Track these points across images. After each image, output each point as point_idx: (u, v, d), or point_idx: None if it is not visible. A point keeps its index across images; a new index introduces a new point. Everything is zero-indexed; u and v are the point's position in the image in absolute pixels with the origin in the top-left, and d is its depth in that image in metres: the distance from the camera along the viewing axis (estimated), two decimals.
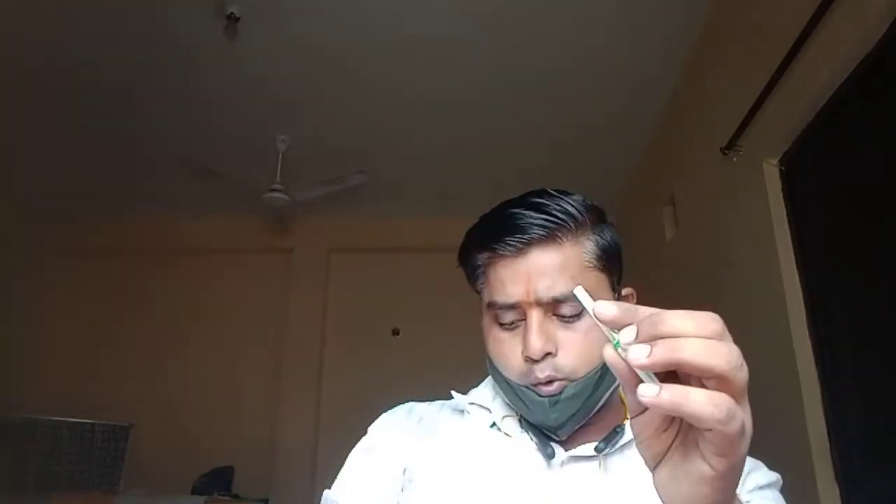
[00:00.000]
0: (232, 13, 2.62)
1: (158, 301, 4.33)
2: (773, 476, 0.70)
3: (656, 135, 3.36)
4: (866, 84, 1.68)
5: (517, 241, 0.69)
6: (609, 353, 0.40)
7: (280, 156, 3.54)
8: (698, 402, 0.35)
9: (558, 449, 0.71)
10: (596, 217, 0.73)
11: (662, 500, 0.43)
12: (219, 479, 3.74)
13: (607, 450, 0.69)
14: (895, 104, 1.59)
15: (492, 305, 0.72)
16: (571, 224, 0.70)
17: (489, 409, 0.76)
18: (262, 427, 4.02)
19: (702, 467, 0.38)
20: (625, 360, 0.38)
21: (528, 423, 0.73)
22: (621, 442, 0.71)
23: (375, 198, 4.09)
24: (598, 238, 0.73)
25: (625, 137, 3.45)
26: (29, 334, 3.97)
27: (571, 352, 0.68)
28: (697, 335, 0.36)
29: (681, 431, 0.41)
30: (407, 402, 0.84)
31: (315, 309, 4.31)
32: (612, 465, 0.70)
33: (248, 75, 3.06)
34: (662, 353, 0.36)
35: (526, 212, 0.70)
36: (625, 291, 0.77)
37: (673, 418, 0.41)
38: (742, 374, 0.37)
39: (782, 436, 1.88)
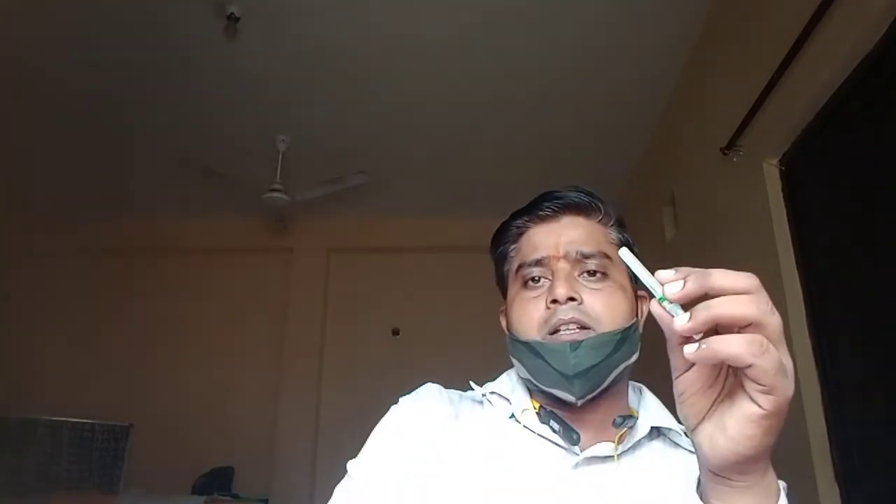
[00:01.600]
0: (232, 13, 2.62)
1: (158, 301, 4.33)
2: (782, 483, 0.69)
3: (656, 135, 3.36)
4: (866, 84, 1.68)
5: (553, 205, 0.77)
6: (655, 307, 0.44)
7: (280, 156, 3.54)
8: (734, 342, 0.40)
9: (575, 448, 0.70)
10: (620, 220, 0.81)
11: (704, 456, 0.46)
12: (219, 479, 3.75)
13: (622, 448, 0.70)
14: (895, 104, 1.59)
15: (521, 267, 0.77)
16: (601, 208, 0.78)
17: (509, 400, 0.76)
18: (262, 427, 4.03)
19: (750, 407, 0.42)
20: (671, 314, 0.43)
21: (547, 413, 0.72)
22: (636, 438, 0.71)
23: (375, 198, 4.08)
24: (622, 233, 0.79)
25: (625, 137, 3.45)
26: (29, 334, 3.97)
27: (597, 303, 0.71)
28: (735, 289, 0.41)
29: (725, 387, 0.45)
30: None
31: (315, 309, 4.31)
32: (626, 465, 0.70)
33: (248, 75, 3.06)
34: (702, 314, 0.41)
35: (562, 189, 0.79)
36: (640, 292, 0.79)
37: (717, 375, 0.45)
38: (774, 319, 0.41)
39: (782, 436, 1.88)
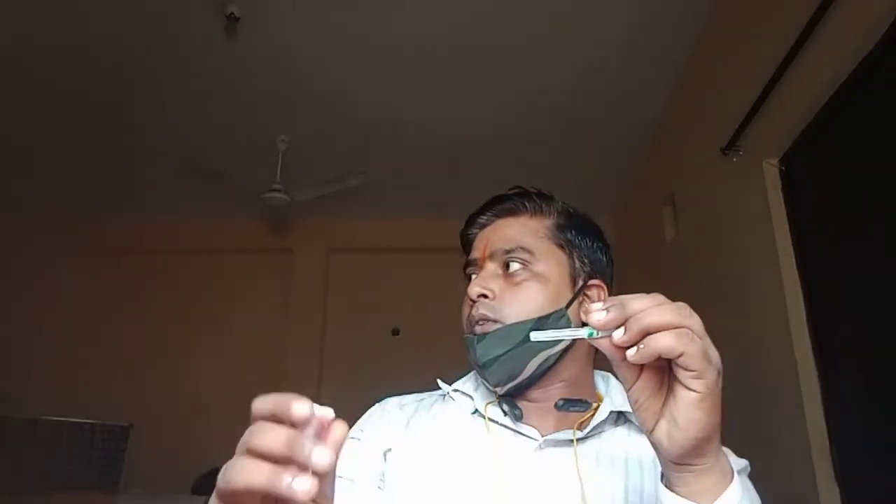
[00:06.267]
0: (232, 13, 2.62)
1: (158, 301, 4.33)
2: (742, 462, 0.72)
3: (656, 135, 3.36)
4: (866, 84, 1.68)
5: (491, 212, 0.86)
6: (596, 342, 0.51)
7: (280, 156, 3.54)
8: (665, 336, 0.47)
9: (529, 429, 0.76)
10: (565, 212, 0.85)
11: (665, 451, 0.51)
12: None
13: (581, 433, 0.75)
14: (895, 104, 1.59)
15: (465, 268, 0.86)
16: (526, 205, 0.84)
17: (471, 397, 0.82)
18: None
19: (688, 395, 0.48)
20: (607, 340, 0.49)
21: (502, 399, 0.78)
22: (596, 422, 0.75)
23: (375, 198, 4.08)
24: (565, 221, 0.84)
25: (625, 137, 3.45)
26: (29, 333, 3.97)
27: (506, 298, 0.77)
28: (650, 306, 0.48)
29: (670, 390, 0.51)
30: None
31: (315, 309, 4.30)
32: (589, 449, 0.75)
33: (248, 75, 3.06)
34: (634, 326, 0.47)
35: (505, 193, 0.86)
36: (591, 282, 0.82)
37: (662, 380, 0.51)
38: (694, 319, 0.48)
39: (782, 436, 1.88)
